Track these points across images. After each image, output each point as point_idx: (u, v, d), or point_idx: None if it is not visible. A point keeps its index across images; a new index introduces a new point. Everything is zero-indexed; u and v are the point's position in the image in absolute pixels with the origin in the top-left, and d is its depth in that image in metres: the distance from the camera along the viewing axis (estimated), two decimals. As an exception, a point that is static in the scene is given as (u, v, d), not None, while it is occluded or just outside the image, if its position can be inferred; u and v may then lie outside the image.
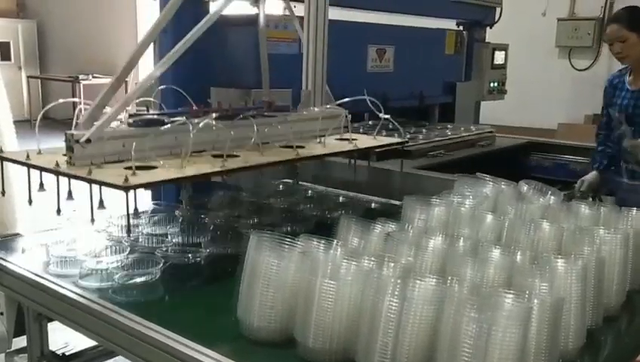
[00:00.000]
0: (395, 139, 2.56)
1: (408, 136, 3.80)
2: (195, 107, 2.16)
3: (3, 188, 1.91)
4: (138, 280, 1.85)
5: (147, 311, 1.66)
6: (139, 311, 1.66)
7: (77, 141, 1.77)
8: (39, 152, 1.93)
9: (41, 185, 1.86)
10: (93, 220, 1.79)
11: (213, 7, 2.73)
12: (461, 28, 4.78)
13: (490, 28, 4.95)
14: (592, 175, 3.52)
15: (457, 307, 1.26)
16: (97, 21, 11.93)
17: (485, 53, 4.85)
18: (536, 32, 8.17)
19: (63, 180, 1.83)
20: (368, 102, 2.31)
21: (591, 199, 3.42)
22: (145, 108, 2.24)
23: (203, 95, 2.64)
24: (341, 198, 2.76)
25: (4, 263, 2.01)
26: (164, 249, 2.02)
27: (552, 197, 2.18)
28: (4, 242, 2.22)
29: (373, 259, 1.48)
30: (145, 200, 3.26)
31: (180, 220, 2.23)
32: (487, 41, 4.95)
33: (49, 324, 2.05)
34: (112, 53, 11.22)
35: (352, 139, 2.36)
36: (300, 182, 3.07)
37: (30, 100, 12.57)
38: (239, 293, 1.55)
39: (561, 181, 3.64)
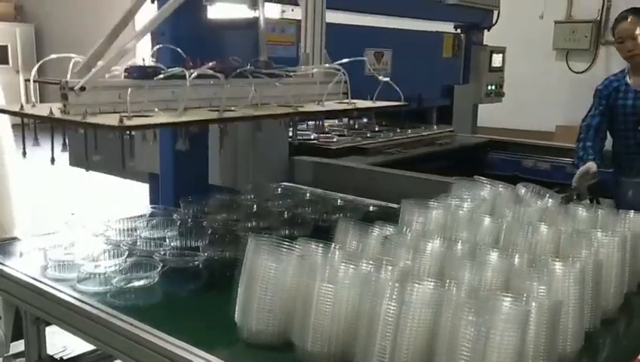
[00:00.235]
0: (393, 103, 2.54)
1: (369, 134, 4.04)
2: (190, 63, 2.14)
3: None
4: (136, 284, 1.85)
5: (145, 315, 1.66)
6: (137, 315, 1.65)
7: (71, 88, 1.75)
8: (33, 105, 1.92)
9: (36, 138, 1.86)
10: (88, 168, 1.77)
11: (211, 11, 2.74)
12: (459, 31, 4.79)
13: (488, 31, 4.96)
14: (589, 165, 3.43)
15: (455, 310, 1.26)
16: (96, 25, 11.92)
17: (483, 56, 4.86)
18: (533, 34, 8.19)
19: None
20: (367, 64, 2.28)
21: (589, 201, 3.43)
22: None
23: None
24: (339, 201, 2.75)
25: (1, 267, 2.00)
26: (162, 253, 2.01)
27: (550, 199, 2.18)
28: (1, 246, 2.22)
29: (371, 262, 1.48)
30: (143, 203, 3.27)
31: (178, 224, 2.23)
32: (484, 43, 4.95)
33: (48, 328, 2.05)
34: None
35: (351, 102, 2.34)
36: (298, 185, 3.08)
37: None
38: (237, 297, 1.55)
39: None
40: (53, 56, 2.04)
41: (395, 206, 2.39)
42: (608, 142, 3.72)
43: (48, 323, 1.96)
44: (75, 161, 3.85)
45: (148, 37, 2.34)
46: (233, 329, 1.54)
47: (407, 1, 4.26)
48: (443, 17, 4.55)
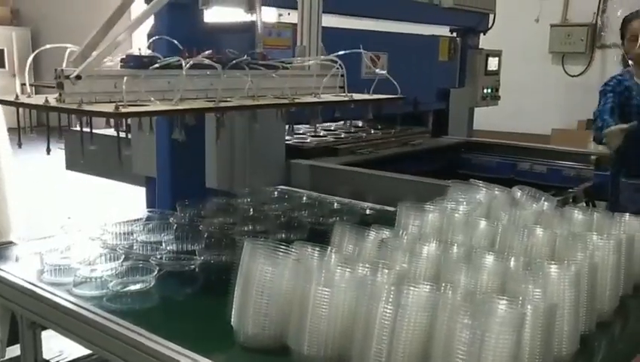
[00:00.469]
0: (390, 96, 2.55)
1: (343, 135, 4.11)
2: (187, 54, 2.14)
3: None
4: (132, 288, 1.84)
5: (141, 319, 1.65)
6: (133, 319, 1.65)
7: (67, 77, 1.76)
8: (28, 96, 1.92)
9: (32, 130, 1.86)
10: (83, 154, 1.79)
11: (207, 15, 2.74)
12: (455, 34, 4.80)
13: (484, 34, 4.97)
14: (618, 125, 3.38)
15: (451, 313, 1.26)
16: (92, 29, 11.92)
17: (479, 60, 4.88)
18: (529, 38, 8.22)
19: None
20: (364, 56, 2.30)
21: (584, 204, 3.44)
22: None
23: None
24: (336, 204, 2.76)
25: (-3, 271, 2.00)
26: (158, 256, 2.01)
27: (546, 203, 2.19)
28: (-2, 250, 2.21)
29: (367, 265, 1.48)
30: (140, 207, 3.27)
31: (175, 227, 2.23)
32: (480, 47, 4.97)
33: (44, 332, 2.04)
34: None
35: (347, 95, 2.35)
36: (295, 188, 3.08)
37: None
38: (233, 300, 1.55)
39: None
40: (47, 46, 2.04)
41: (391, 209, 2.39)
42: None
43: (44, 328, 1.96)
44: (71, 165, 3.86)
45: (144, 28, 2.35)
46: (230, 333, 1.54)
47: (403, 4, 4.28)
48: (439, 21, 4.56)
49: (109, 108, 1.67)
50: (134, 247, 2.11)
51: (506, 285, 1.51)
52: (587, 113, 7.43)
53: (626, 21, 3.62)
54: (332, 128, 4.32)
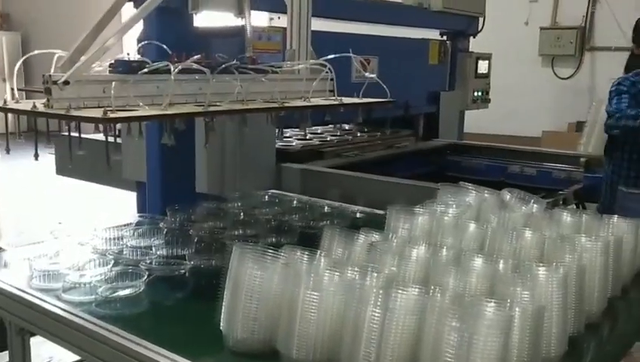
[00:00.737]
0: (380, 100, 2.55)
1: (328, 137, 4.12)
2: (176, 58, 2.14)
3: None
4: (122, 293, 1.84)
5: (131, 325, 1.65)
6: (122, 324, 1.65)
7: (55, 82, 1.75)
8: (17, 101, 1.91)
9: (19, 135, 1.86)
10: (71, 159, 1.78)
11: (197, 20, 2.74)
12: (444, 38, 4.82)
13: (474, 37, 5.00)
14: None
15: (439, 316, 1.27)
16: (83, 33, 11.88)
17: (469, 63, 4.90)
18: (519, 41, 8.27)
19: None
20: (353, 60, 2.30)
21: (574, 206, 3.45)
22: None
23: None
24: (326, 208, 2.76)
25: (-15, 278, 1.99)
26: (148, 261, 2.01)
27: (535, 205, 2.20)
28: (-14, 257, 2.20)
29: (356, 269, 1.49)
30: (130, 212, 3.26)
31: (165, 232, 2.22)
32: (470, 50, 4.99)
33: (35, 338, 2.03)
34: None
35: (337, 99, 2.35)
36: (285, 192, 3.08)
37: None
38: (223, 305, 1.54)
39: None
40: (36, 52, 2.03)
41: (382, 212, 2.40)
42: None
43: (33, 334, 1.95)
44: (61, 170, 3.85)
45: (135, 33, 2.34)
46: (219, 338, 1.54)
47: (392, 8, 4.30)
48: (429, 24, 4.59)
49: (97, 113, 1.67)
50: (124, 252, 2.10)
51: (494, 287, 1.51)
52: (577, 115, 7.50)
53: None
54: (319, 131, 4.33)
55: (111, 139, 1.97)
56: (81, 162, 2.20)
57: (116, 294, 1.83)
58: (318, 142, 3.99)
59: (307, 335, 1.39)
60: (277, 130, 3.20)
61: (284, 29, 2.54)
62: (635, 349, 2.51)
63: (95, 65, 1.90)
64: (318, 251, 1.62)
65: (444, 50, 4.69)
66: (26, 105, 1.83)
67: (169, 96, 1.83)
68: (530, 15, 8.36)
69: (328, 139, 4.11)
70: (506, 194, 2.26)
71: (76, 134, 1.93)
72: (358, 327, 1.32)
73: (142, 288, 1.86)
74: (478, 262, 1.60)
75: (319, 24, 3.05)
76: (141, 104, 1.82)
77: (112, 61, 1.95)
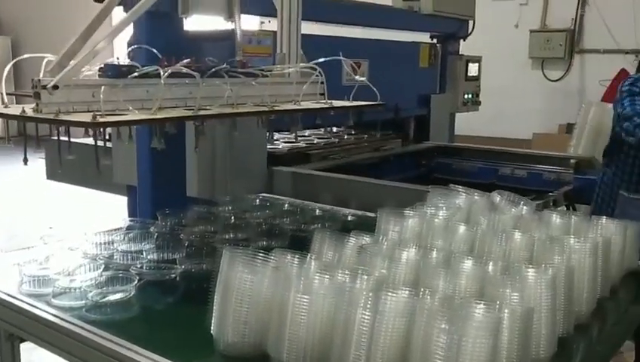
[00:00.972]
0: (370, 103, 2.56)
1: (315, 140, 4.12)
2: (166, 62, 2.14)
3: None
4: (112, 297, 1.83)
5: (122, 330, 1.64)
6: (113, 329, 1.64)
7: (44, 87, 1.74)
8: (6, 106, 1.91)
9: (8, 140, 1.85)
10: (61, 164, 1.78)
11: (187, 24, 2.74)
12: (435, 41, 4.84)
13: (464, 40, 5.02)
14: None
15: (428, 319, 1.27)
16: (72, 38, 11.85)
17: (459, 66, 4.92)
18: (509, 43, 8.31)
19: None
20: (344, 63, 2.32)
21: (565, 208, 3.46)
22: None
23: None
24: (317, 211, 2.76)
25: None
26: (139, 266, 2.00)
27: (525, 207, 2.21)
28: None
29: (346, 272, 1.49)
30: (121, 216, 3.25)
31: (156, 236, 2.22)
32: (460, 53, 5.01)
33: (26, 344, 2.02)
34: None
35: (328, 102, 2.36)
36: (277, 196, 3.08)
37: (5, 117, 12.42)
38: (213, 309, 1.54)
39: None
40: (25, 56, 2.03)
41: (373, 215, 2.40)
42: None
43: (23, 340, 1.94)
44: (51, 174, 3.83)
45: (125, 37, 2.34)
46: (210, 342, 1.54)
47: (383, 11, 4.31)
48: (419, 27, 4.60)
49: (86, 117, 1.67)
50: (115, 257, 2.09)
51: (484, 289, 1.52)
52: (567, 117, 7.55)
53: None
54: (306, 134, 4.34)
55: (101, 143, 1.97)
56: (71, 167, 2.19)
57: (107, 299, 1.82)
58: (305, 145, 3.99)
59: (297, 338, 1.39)
60: (267, 134, 3.20)
61: (275, 32, 2.55)
62: (625, 349, 2.54)
63: (85, 69, 1.90)
64: (309, 254, 1.62)
65: (435, 53, 4.71)
66: (15, 109, 1.82)
67: (159, 100, 1.84)
68: (520, 18, 8.42)
69: (315, 141, 4.12)
70: (496, 197, 2.27)
71: (66, 139, 1.93)
72: (348, 330, 1.33)
73: (132, 293, 1.86)
74: (468, 264, 1.60)
75: (311, 28, 3.06)
76: (131, 108, 1.82)
77: (102, 65, 1.95)
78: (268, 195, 3.08)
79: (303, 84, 2.29)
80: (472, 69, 5.03)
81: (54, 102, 1.76)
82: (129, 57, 2.25)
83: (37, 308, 1.78)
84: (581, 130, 4.81)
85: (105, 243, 2.20)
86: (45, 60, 1.88)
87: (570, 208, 3.71)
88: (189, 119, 1.94)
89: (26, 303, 1.81)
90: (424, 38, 4.78)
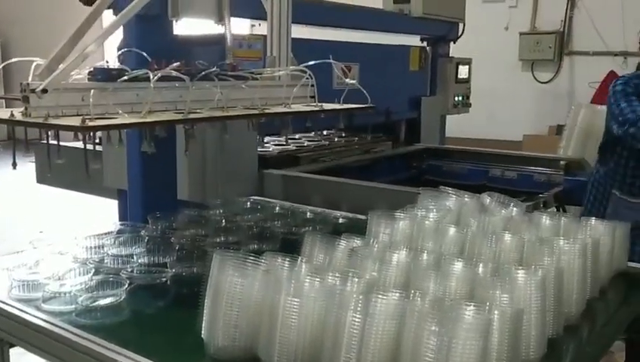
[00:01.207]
0: (360, 105, 2.56)
1: (305, 143, 4.12)
2: (155, 66, 2.14)
3: None
4: (102, 302, 1.82)
5: (112, 334, 1.64)
6: (104, 333, 1.63)
7: (32, 90, 1.74)
8: None
9: None
10: (51, 168, 1.77)
11: (178, 28, 2.74)
12: (425, 43, 4.86)
13: (454, 43, 5.03)
14: None
15: (418, 321, 1.28)
16: (61, 41, 11.81)
17: (449, 68, 4.93)
18: (499, 46, 8.36)
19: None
20: (334, 66, 2.33)
21: (555, 209, 3.48)
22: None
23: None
24: (309, 214, 2.76)
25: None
26: (129, 270, 2.00)
27: (515, 208, 2.22)
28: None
29: (337, 275, 1.49)
30: (112, 219, 3.24)
31: (146, 240, 2.21)
32: (450, 55, 5.03)
33: (15, 349, 2.01)
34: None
35: (318, 105, 2.36)
36: (268, 199, 3.08)
37: (-6, 120, 12.35)
38: (204, 313, 1.54)
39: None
40: (14, 59, 2.02)
41: (364, 217, 2.41)
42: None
43: (12, 345, 1.93)
44: (41, 178, 3.81)
45: (115, 40, 2.34)
46: (200, 346, 1.53)
47: (373, 14, 4.32)
48: (409, 30, 4.61)
49: (75, 121, 1.66)
50: (105, 261, 2.09)
51: (474, 291, 1.53)
52: (557, 119, 7.59)
53: None
54: (296, 137, 4.34)
55: (91, 147, 1.97)
56: (61, 170, 2.19)
57: (97, 303, 1.82)
58: (294, 148, 3.99)
59: (288, 341, 1.39)
60: (257, 137, 3.20)
61: (265, 36, 2.55)
62: (616, 349, 2.55)
63: (74, 73, 1.89)
64: (300, 257, 1.63)
65: (425, 55, 4.72)
66: (3, 113, 1.82)
67: (149, 103, 1.83)
68: (510, 20, 8.46)
69: (305, 144, 4.12)
70: (486, 198, 2.28)
71: (55, 142, 1.93)
72: (338, 333, 1.33)
73: (123, 297, 1.85)
74: (458, 266, 1.61)
75: (301, 31, 3.06)
76: (120, 112, 1.82)
77: (91, 69, 1.95)
78: (259, 198, 3.08)
79: (294, 86, 2.30)
80: (463, 72, 5.04)
81: (43, 106, 1.75)
82: (119, 61, 2.24)
83: (27, 312, 1.77)
84: (571, 132, 4.84)
85: (95, 247, 2.19)
86: (34, 64, 1.88)
87: (560, 209, 3.73)
88: (180, 122, 1.94)
89: (16, 308, 1.80)
90: (414, 40, 4.79)
